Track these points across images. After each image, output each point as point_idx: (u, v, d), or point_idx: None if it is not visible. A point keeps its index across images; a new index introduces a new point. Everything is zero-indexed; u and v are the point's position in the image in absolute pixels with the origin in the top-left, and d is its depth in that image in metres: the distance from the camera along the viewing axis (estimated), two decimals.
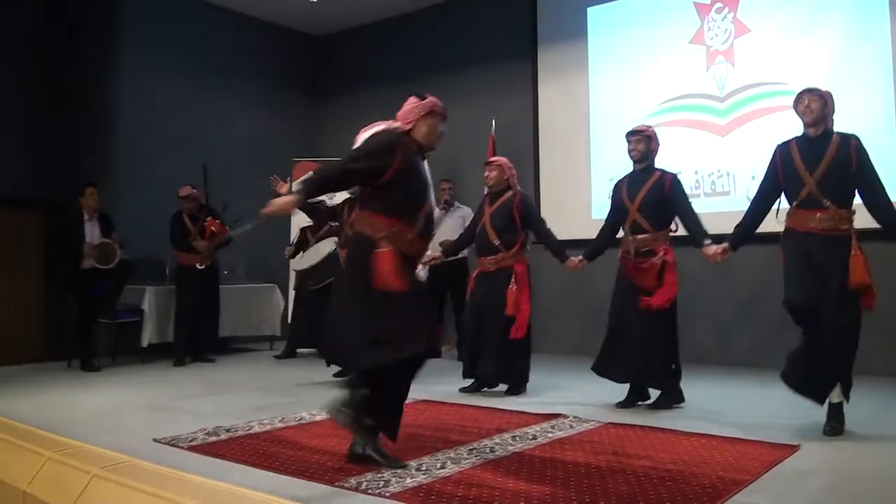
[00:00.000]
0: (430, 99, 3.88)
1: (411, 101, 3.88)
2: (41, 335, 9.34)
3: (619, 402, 5.23)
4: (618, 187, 5.33)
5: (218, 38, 9.90)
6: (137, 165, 8.86)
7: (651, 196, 5.08)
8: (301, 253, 8.09)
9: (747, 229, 4.67)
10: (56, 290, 9.04)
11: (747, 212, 4.70)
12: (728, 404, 5.28)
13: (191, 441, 4.24)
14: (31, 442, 4.18)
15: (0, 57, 8.83)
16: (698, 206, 5.20)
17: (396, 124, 3.87)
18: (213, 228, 7.73)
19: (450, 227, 7.91)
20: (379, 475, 3.46)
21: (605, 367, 5.26)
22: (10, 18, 8.98)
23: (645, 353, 5.03)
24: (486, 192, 6.09)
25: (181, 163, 8.70)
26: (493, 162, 5.99)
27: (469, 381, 5.94)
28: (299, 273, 8.19)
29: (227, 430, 4.49)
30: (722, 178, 7.48)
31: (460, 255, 7.42)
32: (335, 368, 6.50)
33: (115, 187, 8.64)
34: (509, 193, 5.82)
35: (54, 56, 9.35)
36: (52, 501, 3.56)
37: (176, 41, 9.43)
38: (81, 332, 7.54)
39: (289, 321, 8.65)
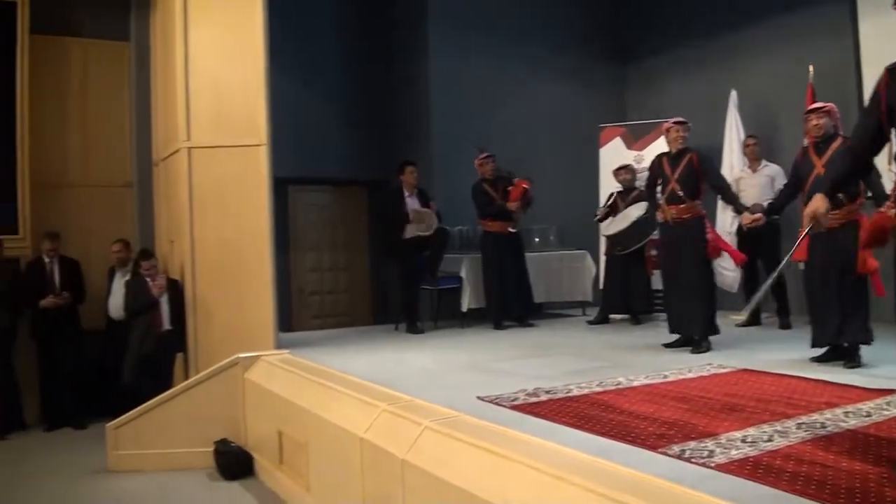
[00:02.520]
0: None
1: None
2: (370, 301, 10.29)
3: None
4: None
5: (517, 11, 10.06)
6: (449, 143, 9.27)
7: None
8: (611, 218, 8.07)
9: None
10: (380, 261, 9.84)
11: None
12: None
13: (513, 401, 4.40)
14: (368, 395, 4.55)
15: (324, 56, 9.77)
16: None
17: None
18: (524, 185, 7.99)
19: (755, 187, 7.37)
20: (703, 444, 3.37)
21: None
22: (328, 15, 9.87)
23: None
24: (804, 144, 5.67)
25: (489, 137, 8.92)
26: (821, 108, 5.51)
27: (823, 350, 5.43)
28: (609, 239, 8.18)
29: (547, 392, 4.60)
30: None
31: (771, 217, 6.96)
32: (647, 335, 6.43)
33: (430, 165, 9.13)
34: (839, 140, 5.37)
35: (372, 49, 10.14)
36: (387, 447, 3.86)
37: (477, 18, 9.71)
38: (406, 297, 8.07)
39: (601, 287, 8.66)
